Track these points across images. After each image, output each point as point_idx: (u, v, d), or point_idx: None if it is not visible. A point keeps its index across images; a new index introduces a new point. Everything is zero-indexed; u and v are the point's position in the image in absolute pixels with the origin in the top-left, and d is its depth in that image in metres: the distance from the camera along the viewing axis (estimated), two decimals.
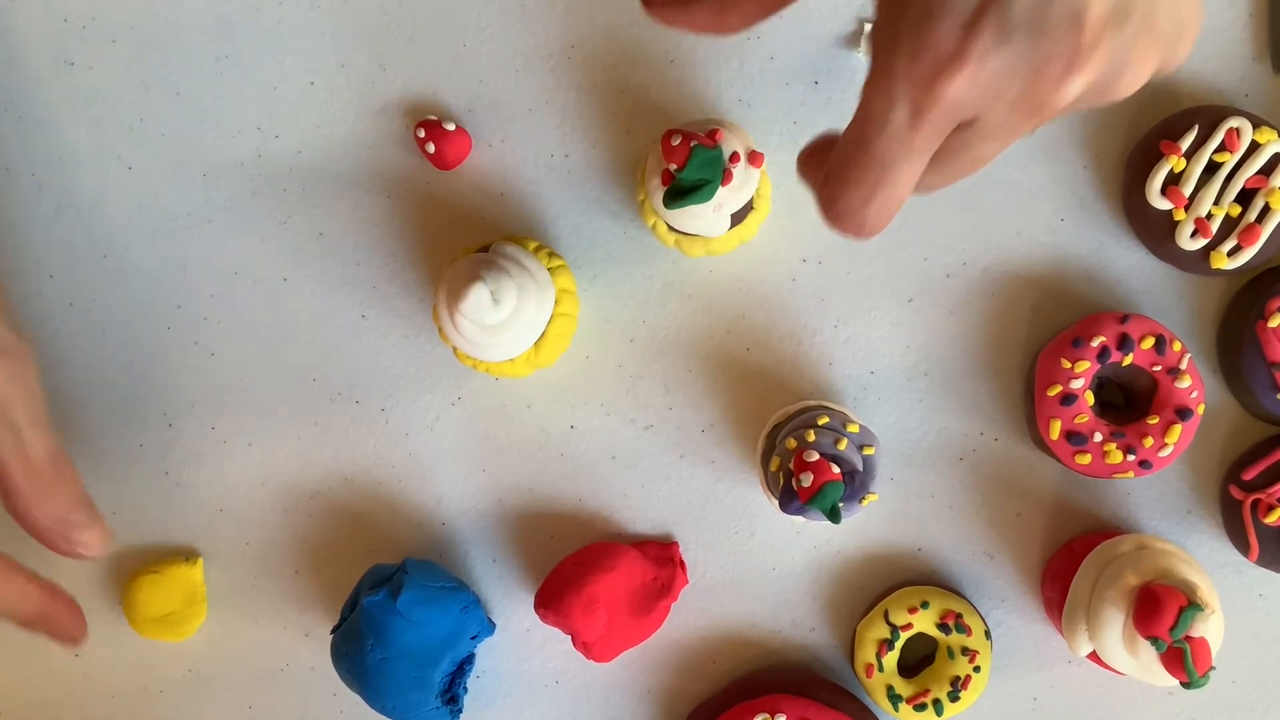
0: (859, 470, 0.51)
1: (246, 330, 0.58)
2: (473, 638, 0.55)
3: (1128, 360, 0.52)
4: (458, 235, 0.57)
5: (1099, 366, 0.52)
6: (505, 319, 0.52)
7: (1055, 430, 0.52)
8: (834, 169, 0.35)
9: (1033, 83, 0.32)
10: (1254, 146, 0.52)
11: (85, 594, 0.60)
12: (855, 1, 0.56)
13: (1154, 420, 0.52)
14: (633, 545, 0.56)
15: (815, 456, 0.49)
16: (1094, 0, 0.31)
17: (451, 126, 0.56)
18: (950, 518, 0.56)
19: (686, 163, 0.49)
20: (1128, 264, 0.55)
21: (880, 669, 0.55)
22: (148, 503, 0.59)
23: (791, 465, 0.50)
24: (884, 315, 0.56)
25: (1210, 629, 0.48)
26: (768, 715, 0.53)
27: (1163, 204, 0.52)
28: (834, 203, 0.35)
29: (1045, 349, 0.54)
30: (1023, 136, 0.35)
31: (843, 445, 0.50)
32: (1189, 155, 0.52)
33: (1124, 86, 0.34)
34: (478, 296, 0.51)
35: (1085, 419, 0.52)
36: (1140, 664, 0.50)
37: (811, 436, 0.50)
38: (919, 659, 0.57)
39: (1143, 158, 0.53)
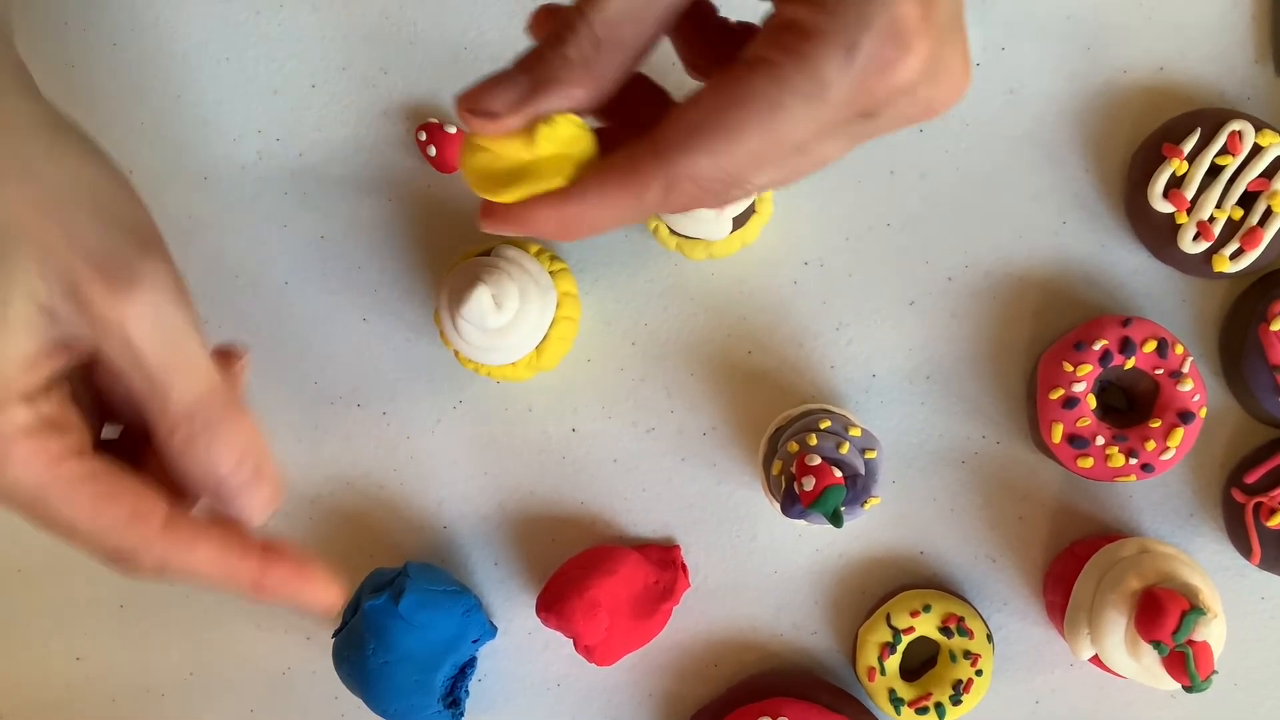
0: (861, 474, 0.51)
1: (247, 334, 0.58)
2: (474, 641, 0.55)
3: (1130, 363, 0.52)
4: (459, 238, 0.57)
5: (1101, 370, 0.52)
6: (507, 322, 0.52)
7: (1057, 433, 0.52)
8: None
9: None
10: (1256, 149, 0.51)
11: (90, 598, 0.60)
12: None
13: (1156, 423, 0.52)
14: (634, 548, 0.56)
15: (817, 460, 0.49)
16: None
17: (453, 129, 0.56)
18: (952, 521, 0.56)
19: None
20: (1130, 267, 0.55)
21: (882, 672, 0.55)
22: None
23: (793, 469, 0.50)
24: (886, 318, 0.56)
25: (1212, 632, 0.48)
26: (769, 719, 0.53)
27: (1165, 207, 0.52)
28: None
29: (1047, 352, 0.54)
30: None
31: (845, 449, 0.50)
32: (1191, 158, 0.52)
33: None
34: (479, 300, 0.50)
35: (1087, 422, 0.52)
36: (1142, 667, 0.50)
37: (813, 440, 0.50)
38: (921, 662, 0.57)
39: (1145, 161, 0.53)
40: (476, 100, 0.32)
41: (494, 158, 0.33)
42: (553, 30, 0.32)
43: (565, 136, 0.33)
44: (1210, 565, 0.55)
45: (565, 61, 0.32)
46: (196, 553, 0.34)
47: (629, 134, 0.33)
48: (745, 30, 0.36)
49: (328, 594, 0.37)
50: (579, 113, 0.33)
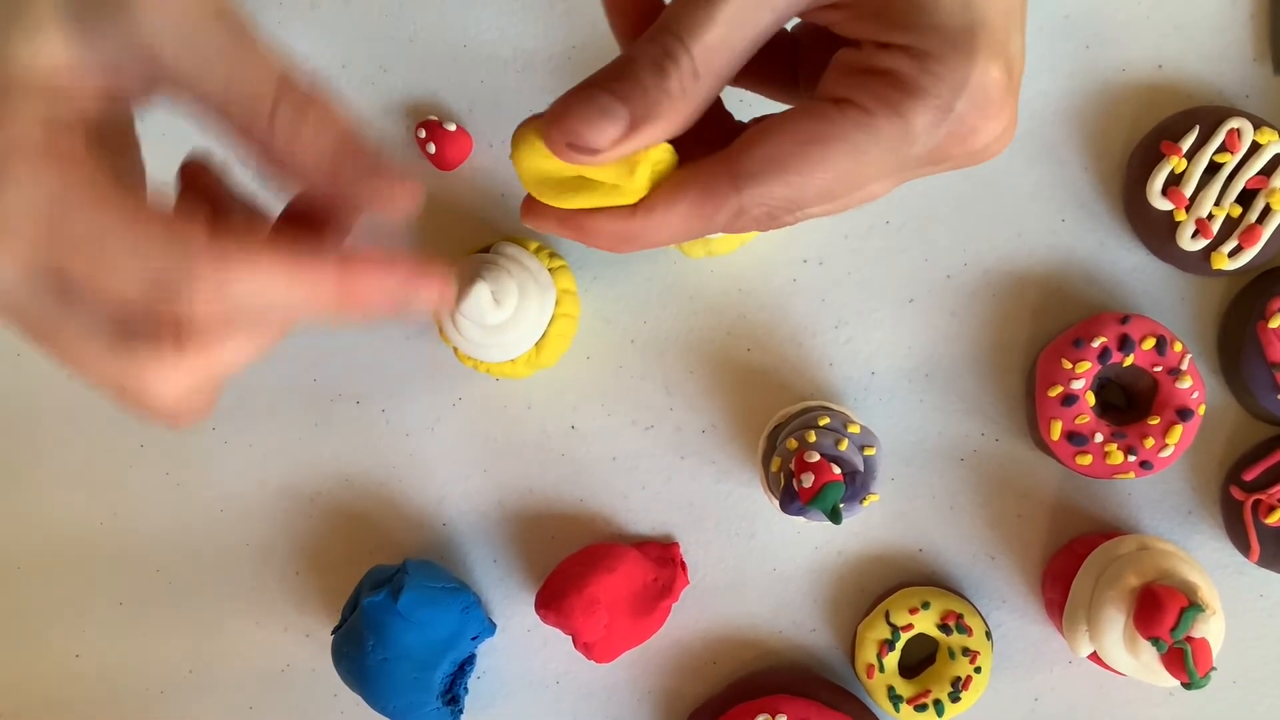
0: (860, 471, 0.51)
1: None
2: (473, 638, 0.55)
3: (1129, 361, 0.52)
4: (458, 236, 0.57)
5: (1100, 367, 0.52)
6: (506, 320, 0.52)
7: (1056, 431, 0.52)
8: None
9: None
10: (1255, 147, 0.52)
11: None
12: None
13: (1155, 421, 0.52)
14: (633, 546, 0.56)
15: (816, 457, 0.49)
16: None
17: (452, 127, 0.56)
18: (951, 518, 0.56)
19: None
20: (1129, 265, 0.55)
21: (881, 669, 0.55)
22: (148, 504, 0.59)
23: (792, 466, 0.50)
24: (885, 316, 0.56)
25: (1211, 629, 0.48)
26: (769, 716, 0.53)
27: (1164, 205, 0.52)
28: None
29: (1046, 350, 0.54)
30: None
31: (844, 446, 0.50)
32: (1190, 156, 0.52)
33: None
34: (479, 297, 0.51)
35: (1086, 419, 0.52)
36: (1141, 664, 0.50)
37: (812, 437, 0.50)
38: (920, 660, 0.57)
39: (1144, 158, 0.53)
40: (576, 135, 0.30)
41: (559, 165, 0.32)
42: (652, 57, 0.31)
43: (657, 162, 0.32)
44: (1209, 562, 0.55)
45: (668, 95, 0.31)
46: (259, 269, 0.28)
47: (690, 146, 0.33)
48: (799, 56, 0.36)
49: (433, 284, 0.31)
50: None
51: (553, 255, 0.55)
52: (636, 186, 0.32)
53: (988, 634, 0.55)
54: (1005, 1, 0.31)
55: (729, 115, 0.36)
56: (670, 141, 0.33)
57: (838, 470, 0.49)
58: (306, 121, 0.30)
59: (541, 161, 0.32)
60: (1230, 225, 0.52)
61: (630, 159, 0.31)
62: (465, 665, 0.56)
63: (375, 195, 0.31)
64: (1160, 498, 0.56)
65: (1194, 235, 0.52)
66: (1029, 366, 0.55)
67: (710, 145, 0.33)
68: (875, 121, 0.31)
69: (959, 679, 0.54)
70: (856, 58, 0.31)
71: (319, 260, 0.29)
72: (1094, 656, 0.52)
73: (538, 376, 0.57)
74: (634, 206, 0.32)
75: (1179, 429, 0.52)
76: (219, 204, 0.35)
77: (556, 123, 0.31)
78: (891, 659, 0.55)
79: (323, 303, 0.30)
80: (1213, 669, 0.47)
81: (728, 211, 0.32)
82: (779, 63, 0.36)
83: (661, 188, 0.32)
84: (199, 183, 0.34)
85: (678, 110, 0.31)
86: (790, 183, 0.31)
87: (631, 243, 0.33)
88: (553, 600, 0.54)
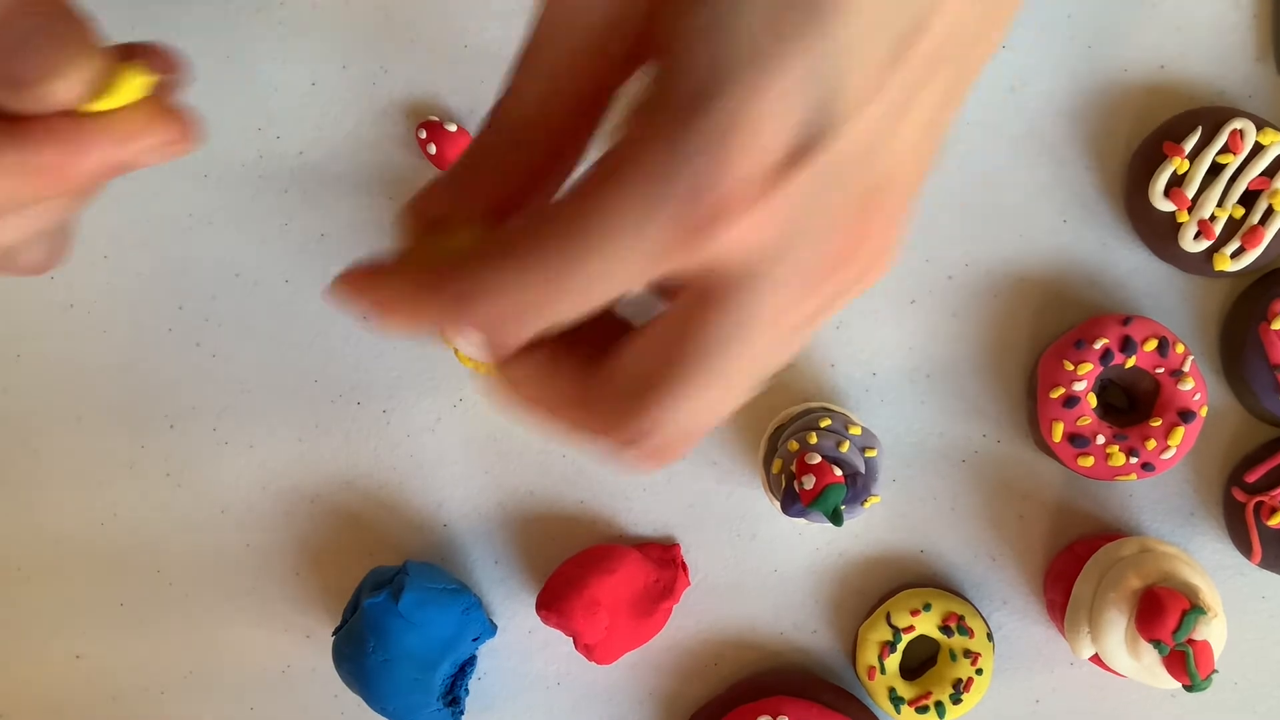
0: (861, 472, 0.51)
1: (248, 332, 0.58)
2: (474, 640, 0.55)
3: (1130, 362, 0.52)
4: None
5: (1101, 368, 0.52)
6: None
7: (1058, 432, 0.52)
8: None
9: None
10: (1257, 148, 0.51)
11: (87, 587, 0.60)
12: None
13: (1156, 422, 0.52)
14: (634, 547, 0.56)
15: (817, 459, 0.49)
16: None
17: (453, 127, 0.56)
18: (952, 520, 0.56)
19: None
20: (1130, 266, 0.55)
21: (882, 671, 0.55)
22: (149, 505, 0.59)
23: (793, 467, 0.50)
24: (886, 317, 0.56)
25: (1213, 632, 0.48)
26: (769, 717, 0.53)
27: (1166, 206, 0.52)
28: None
29: (1047, 351, 0.54)
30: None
31: (845, 447, 0.50)
32: (1192, 157, 0.52)
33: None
34: None
35: (1088, 421, 0.52)
36: (1142, 667, 0.50)
37: (813, 439, 0.50)
38: (921, 661, 0.57)
39: (1146, 159, 0.53)
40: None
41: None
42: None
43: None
44: (1211, 564, 0.55)
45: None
46: None
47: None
48: None
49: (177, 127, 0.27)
50: None
51: None
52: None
53: (989, 635, 0.55)
54: (809, 62, 0.21)
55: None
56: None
57: (839, 472, 0.49)
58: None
59: None
60: (1233, 226, 0.52)
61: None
62: (466, 666, 0.56)
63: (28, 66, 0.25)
64: (1162, 499, 0.56)
65: (1196, 236, 0.52)
66: (1030, 368, 0.55)
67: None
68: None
69: (960, 681, 0.54)
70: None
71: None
72: (1095, 658, 0.52)
73: None
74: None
75: (1181, 430, 0.52)
76: None
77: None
78: (893, 660, 0.55)
79: (44, 188, 0.27)
80: (1214, 671, 0.47)
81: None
82: None
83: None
84: None
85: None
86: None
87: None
88: (554, 601, 0.54)
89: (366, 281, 0.26)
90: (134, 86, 0.27)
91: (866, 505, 0.51)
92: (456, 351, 0.54)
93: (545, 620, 0.55)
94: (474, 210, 0.25)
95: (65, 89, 0.25)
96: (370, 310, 0.25)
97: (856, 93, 0.22)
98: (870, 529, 0.57)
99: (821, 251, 0.24)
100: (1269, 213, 0.52)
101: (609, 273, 0.22)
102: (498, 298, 0.23)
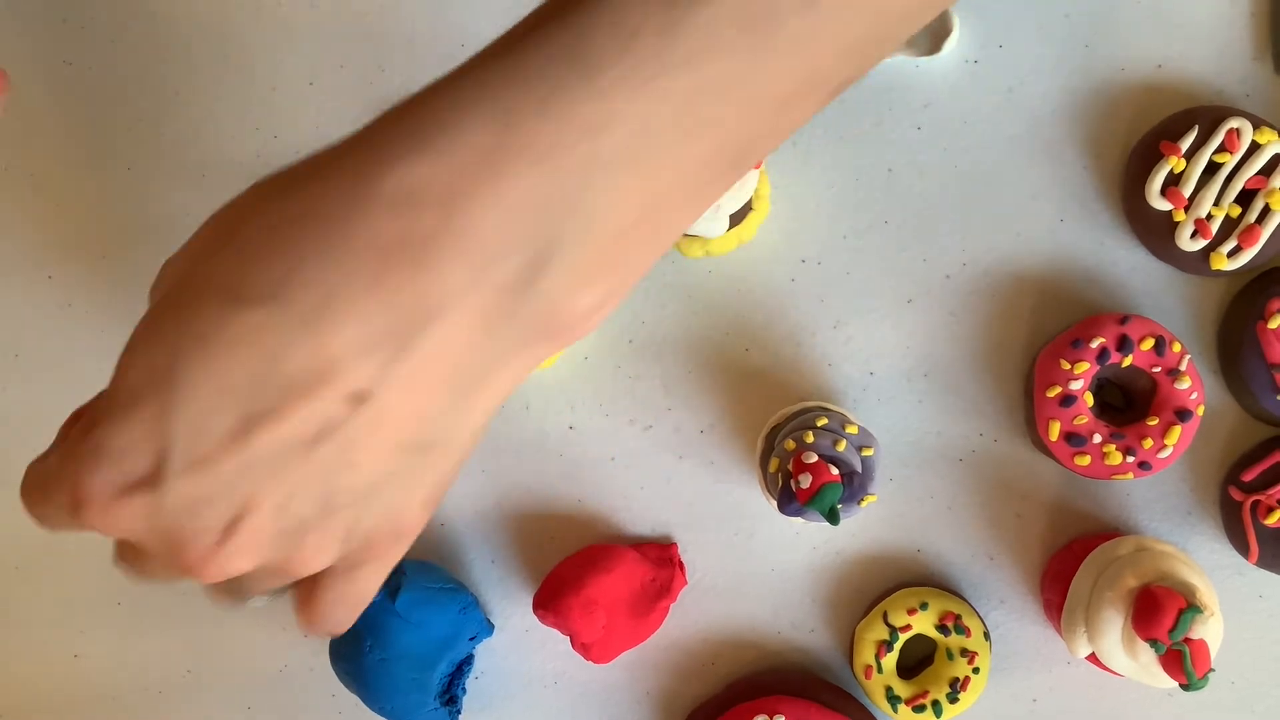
0: (858, 472, 0.51)
1: None
2: (471, 639, 0.55)
3: (1127, 361, 0.52)
4: None
5: (1098, 368, 0.52)
6: None
7: (1054, 431, 0.52)
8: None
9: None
10: (1254, 147, 0.51)
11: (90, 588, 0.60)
12: None
13: (1153, 421, 0.52)
14: (632, 546, 0.56)
15: (814, 458, 0.49)
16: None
17: None
18: (949, 519, 0.56)
19: None
20: (1127, 265, 0.55)
21: (879, 670, 0.55)
22: None
23: (790, 466, 0.50)
24: (883, 316, 0.56)
25: (1209, 631, 0.48)
26: (767, 717, 0.53)
27: (1163, 205, 0.52)
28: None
29: (1044, 350, 0.54)
30: None
31: (841, 446, 0.50)
32: (1189, 156, 0.52)
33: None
34: None
35: (1084, 420, 0.52)
36: (1139, 666, 0.50)
37: (810, 438, 0.50)
38: (918, 660, 0.57)
39: (1143, 158, 0.53)
40: None
41: None
42: None
43: None
44: (1208, 563, 0.55)
45: None
46: None
47: None
48: None
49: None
50: None
51: None
52: None
53: (986, 635, 0.55)
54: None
55: None
56: None
57: (835, 471, 0.49)
58: None
59: None
60: (1229, 225, 0.52)
61: None
62: (463, 665, 0.56)
63: None
64: (1159, 498, 0.56)
65: (1193, 235, 0.52)
66: (1027, 367, 0.55)
67: None
68: None
69: (957, 680, 0.54)
70: None
71: None
72: (1092, 658, 0.52)
73: (535, 376, 0.57)
74: None
75: (1178, 430, 0.52)
76: None
77: None
78: (890, 660, 0.55)
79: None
80: (1211, 670, 0.47)
81: None
82: None
83: None
84: None
85: None
86: None
87: None
88: (551, 600, 0.54)
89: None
90: None
91: (863, 504, 0.51)
92: None
93: (542, 619, 0.55)
94: None
95: None
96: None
97: (186, 453, 0.28)
98: (867, 528, 0.57)
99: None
100: (1265, 211, 0.52)
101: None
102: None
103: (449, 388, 0.28)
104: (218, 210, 0.31)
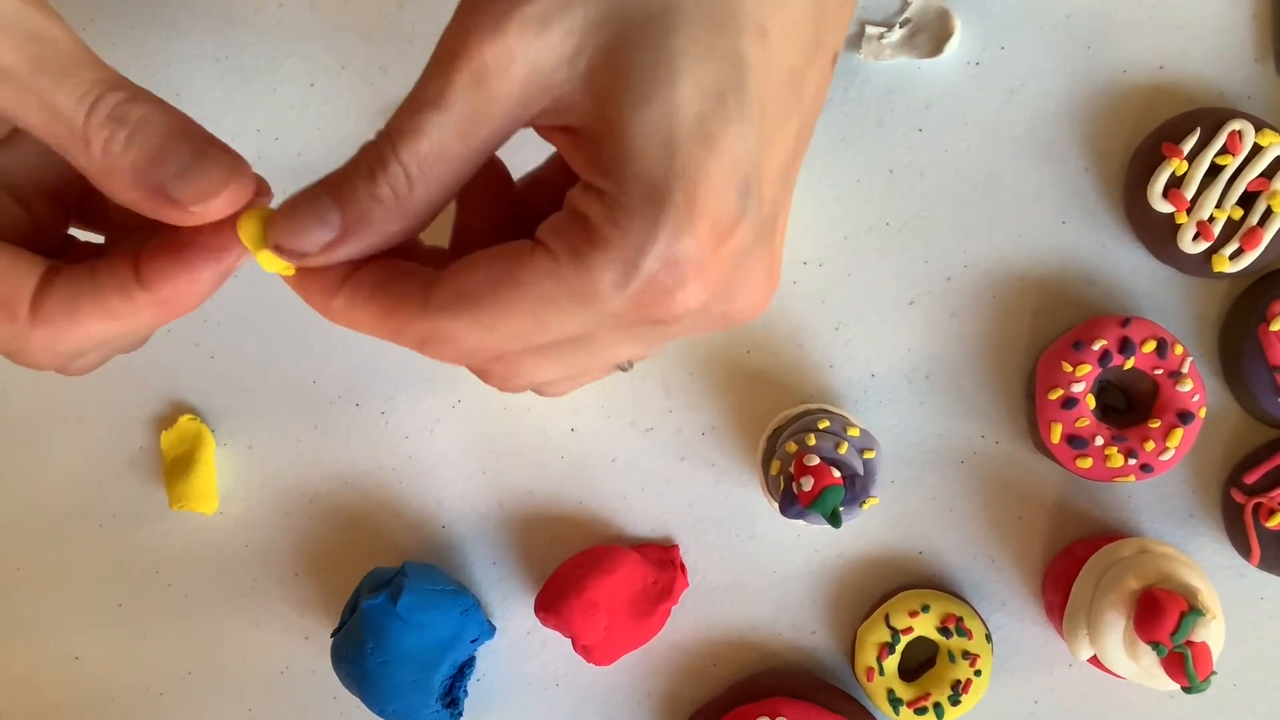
0: (859, 474, 0.51)
1: (246, 332, 0.58)
2: (473, 641, 0.55)
3: (1129, 363, 0.52)
4: None
5: (1100, 370, 0.52)
6: None
7: (1056, 433, 0.52)
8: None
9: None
10: (1256, 149, 0.51)
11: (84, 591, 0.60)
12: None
13: (1155, 424, 0.52)
14: (633, 548, 0.56)
15: (816, 460, 0.49)
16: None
17: None
18: (951, 521, 0.56)
19: None
20: (1129, 267, 0.55)
21: (881, 672, 0.55)
22: (148, 505, 0.59)
23: (792, 469, 0.50)
24: (885, 318, 0.56)
25: (1211, 633, 0.48)
26: (768, 718, 0.53)
27: (1164, 207, 0.52)
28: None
29: (1046, 352, 0.54)
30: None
31: (843, 449, 0.50)
32: (1191, 158, 0.52)
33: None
34: None
35: (1086, 422, 0.52)
36: (1141, 668, 0.50)
37: (812, 440, 0.50)
38: (920, 663, 0.57)
39: (1145, 160, 0.53)
40: (287, 238, 0.30)
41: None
42: (367, 163, 0.30)
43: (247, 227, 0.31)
44: (1209, 566, 0.55)
45: (380, 203, 0.30)
46: (79, 324, 0.31)
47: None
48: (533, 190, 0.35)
49: (231, 246, 0.31)
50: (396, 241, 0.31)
51: None
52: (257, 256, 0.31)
53: (988, 637, 0.55)
54: (735, 151, 0.28)
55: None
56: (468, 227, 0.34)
57: (837, 474, 0.49)
58: (124, 126, 0.30)
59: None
60: (1231, 228, 0.52)
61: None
62: (465, 668, 0.56)
63: (192, 190, 0.30)
64: (1161, 501, 0.56)
65: (1195, 238, 0.52)
66: (1029, 369, 0.55)
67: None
68: (561, 270, 0.28)
69: (959, 682, 0.54)
70: (571, 197, 0.29)
71: (126, 292, 0.31)
72: (1094, 660, 0.52)
73: None
74: (326, 290, 0.32)
75: (1179, 432, 0.52)
76: (57, 243, 0.35)
77: (273, 223, 0.30)
78: (891, 662, 0.55)
79: (150, 323, 0.32)
80: (1213, 673, 0.47)
81: (413, 335, 0.30)
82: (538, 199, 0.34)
83: (360, 285, 0.31)
84: (42, 219, 0.34)
85: (391, 217, 0.30)
86: (479, 321, 0.29)
87: (333, 320, 0.33)
88: (552, 603, 0.54)
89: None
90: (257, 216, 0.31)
91: (865, 507, 0.51)
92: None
93: (544, 621, 0.55)
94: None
95: (218, 207, 0.30)
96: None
97: (768, 172, 0.29)
98: (869, 530, 0.57)
99: (726, 305, 0.31)
100: (1268, 214, 0.51)
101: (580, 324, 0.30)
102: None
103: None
104: None
